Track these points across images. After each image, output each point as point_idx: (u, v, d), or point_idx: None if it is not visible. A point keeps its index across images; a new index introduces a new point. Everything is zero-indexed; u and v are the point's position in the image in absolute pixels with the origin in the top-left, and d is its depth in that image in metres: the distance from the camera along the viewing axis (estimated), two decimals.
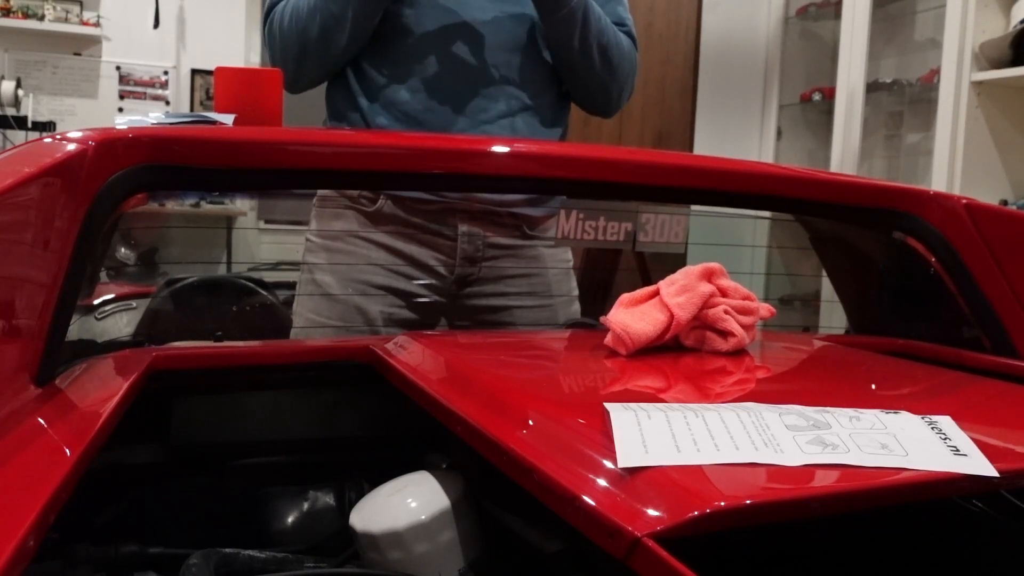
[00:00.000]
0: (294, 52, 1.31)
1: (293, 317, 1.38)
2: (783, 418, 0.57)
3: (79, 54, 5.02)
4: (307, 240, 1.39)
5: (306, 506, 0.87)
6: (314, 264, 1.35)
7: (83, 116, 4.99)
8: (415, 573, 0.69)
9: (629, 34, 1.42)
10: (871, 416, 0.58)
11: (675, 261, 1.02)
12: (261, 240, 4.75)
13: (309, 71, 1.34)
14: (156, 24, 4.95)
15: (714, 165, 1.14)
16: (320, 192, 1.38)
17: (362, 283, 1.33)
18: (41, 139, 0.84)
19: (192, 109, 5.11)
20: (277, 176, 0.96)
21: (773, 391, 0.80)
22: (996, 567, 0.78)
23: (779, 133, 3.68)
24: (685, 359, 0.85)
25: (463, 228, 1.34)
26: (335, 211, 1.36)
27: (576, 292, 1.45)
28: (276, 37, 1.33)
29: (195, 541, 0.73)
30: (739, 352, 0.87)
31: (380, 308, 1.32)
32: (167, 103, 5.13)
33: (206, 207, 4.54)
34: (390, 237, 1.33)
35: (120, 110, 5.06)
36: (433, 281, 1.35)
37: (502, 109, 1.33)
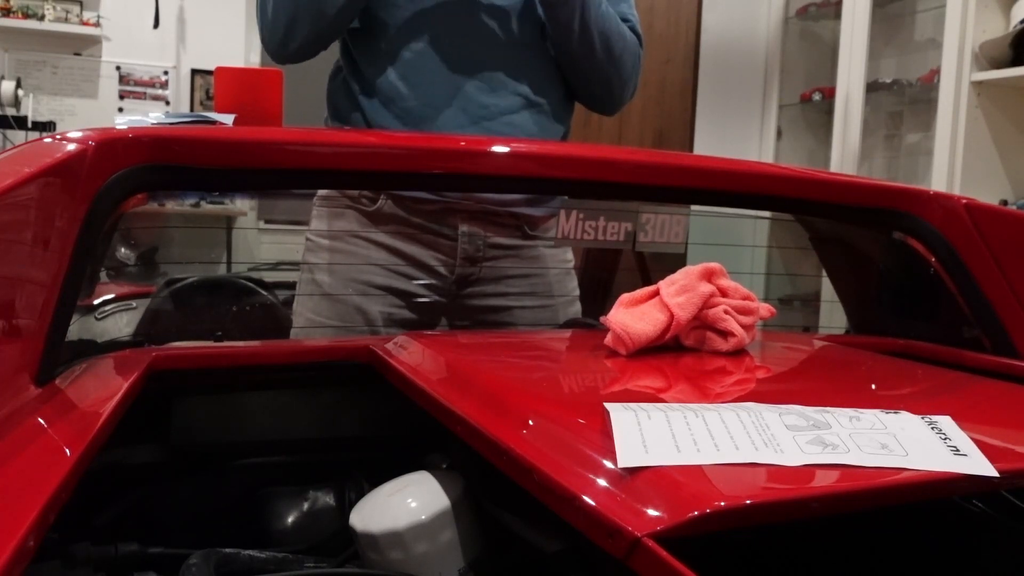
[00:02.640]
0: (287, 9, 1.25)
1: (293, 317, 1.38)
2: (783, 418, 0.57)
3: (79, 54, 5.02)
4: (307, 240, 1.38)
5: (306, 506, 0.87)
6: (314, 264, 1.35)
7: (83, 116, 4.99)
8: (415, 573, 0.69)
9: (633, 29, 1.41)
10: (871, 416, 0.58)
11: (675, 261, 1.02)
12: (261, 240, 4.74)
13: (300, 30, 1.26)
14: (156, 24, 4.95)
15: (714, 165, 1.14)
16: (320, 192, 1.38)
17: (362, 283, 1.32)
18: (41, 139, 0.84)
19: (192, 109, 5.11)
20: (277, 176, 0.96)
21: (773, 391, 0.80)
22: (996, 567, 0.78)
23: (779, 133, 3.67)
24: (685, 359, 0.85)
25: (464, 228, 1.33)
26: (336, 211, 1.36)
27: (577, 292, 1.45)
28: None
29: (195, 541, 0.73)
30: (739, 352, 0.87)
31: (380, 308, 1.32)
32: (167, 103, 5.13)
33: (206, 207, 4.54)
34: (390, 237, 1.33)
35: (120, 110, 5.06)
36: (433, 281, 1.35)
37: (504, 106, 1.32)
